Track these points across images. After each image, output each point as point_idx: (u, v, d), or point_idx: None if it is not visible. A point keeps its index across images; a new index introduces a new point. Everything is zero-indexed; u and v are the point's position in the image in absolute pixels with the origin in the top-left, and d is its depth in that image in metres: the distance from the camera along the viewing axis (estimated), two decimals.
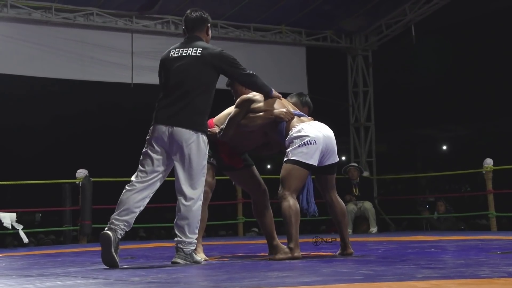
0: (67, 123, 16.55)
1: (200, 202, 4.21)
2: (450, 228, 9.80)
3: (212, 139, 4.64)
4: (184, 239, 4.13)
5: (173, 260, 4.15)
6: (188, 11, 4.50)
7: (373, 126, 11.73)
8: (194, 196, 4.16)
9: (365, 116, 11.73)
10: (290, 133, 4.36)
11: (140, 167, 4.26)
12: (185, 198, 4.15)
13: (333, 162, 4.45)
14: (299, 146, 4.29)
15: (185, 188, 4.16)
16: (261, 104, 4.51)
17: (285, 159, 4.34)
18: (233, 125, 4.54)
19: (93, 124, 16.78)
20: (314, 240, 4.62)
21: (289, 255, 4.21)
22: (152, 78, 10.27)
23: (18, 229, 8.28)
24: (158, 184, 4.27)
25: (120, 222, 4.13)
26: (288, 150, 4.34)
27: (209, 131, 4.72)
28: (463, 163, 13.98)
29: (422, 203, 10.76)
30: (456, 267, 3.46)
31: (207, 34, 4.48)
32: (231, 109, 4.68)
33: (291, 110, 4.49)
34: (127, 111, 15.61)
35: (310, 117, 4.60)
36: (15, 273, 4.05)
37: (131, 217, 4.17)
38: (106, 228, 4.12)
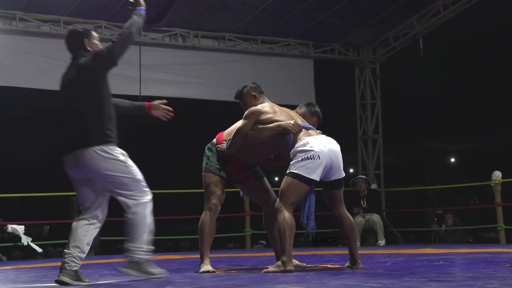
0: None
1: (145, 208, 3.93)
2: (458, 241, 9.75)
3: (222, 155, 4.66)
4: (132, 247, 3.90)
5: (121, 269, 3.96)
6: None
7: (381, 139, 11.71)
8: (133, 203, 3.91)
9: (373, 129, 11.72)
10: (296, 146, 4.36)
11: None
12: (127, 208, 3.93)
13: (339, 177, 4.45)
14: (302, 159, 4.29)
15: (122, 200, 3.94)
16: (269, 115, 4.52)
17: (287, 171, 4.35)
18: (240, 136, 4.55)
19: None
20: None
21: (282, 268, 4.23)
22: (160, 90, 10.39)
23: (28, 242, 8.30)
24: (100, 210, 4.02)
25: (72, 249, 3.89)
26: (291, 162, 4.35)
27: (218, 147, 4.72)
28: (471, 175, 13.94)
29: (430, 216, 10.70)
30: (465, 280, 3.44)
31: (88, 48, 4.03)
32: (239, 123, 4.68)
33: (299, 122, 4.49)
34: (134, 123, 15.63)
35: (318, 131, 4.59)
36: (23, 286, 4.05)
37: (81, 241, 3.93)
38: (58, 274, 3.83)
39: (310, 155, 4.28)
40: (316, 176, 4.30)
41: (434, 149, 20.55)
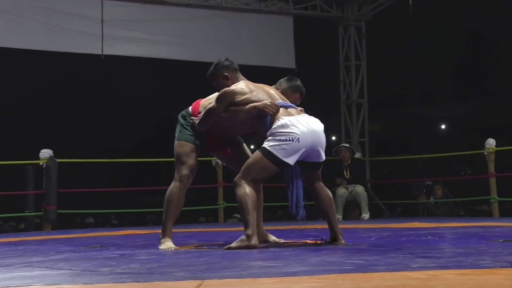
0: (30, 99, 16.42)
1: None
2: (448, 214, 9.87)
3: (193, 129, 4.65)
4: None
5: None
6: None
7: (366, 103, 11.73)
8: None
9: (358, 93, 11.72)
10: (273, 126, 4.34)
11: None
12: None
13: (319, 160, 4.43)
14: (280, 139, 4.27)
15: None
16: (245, 96, 4.48)
17: (262, 146, 4.34)
18: (211, 117, 4.53)
19: (58, 101, 16.67)
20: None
21: (246, 243, 4.21)
22: (124, 49, 10.29)
23: None
24: None
25: None
26: (268, 138, 4.33)
27: (191, 119, 4.70)
28: (463, 144, 14.07)
29: (418, 187, 10.82)
30: (454, 256, 3.47)
31: None
32: (214, 98, 4.63)
33: (277, 101, 4.47)
34: (95, 86, 15.52)
35: (300, 108, 4.57)
36: None
37: None
38: None
39: (289, 137, 4.26)
40: (291, 161, 4.28)
41: (424, 115, 20.67)
